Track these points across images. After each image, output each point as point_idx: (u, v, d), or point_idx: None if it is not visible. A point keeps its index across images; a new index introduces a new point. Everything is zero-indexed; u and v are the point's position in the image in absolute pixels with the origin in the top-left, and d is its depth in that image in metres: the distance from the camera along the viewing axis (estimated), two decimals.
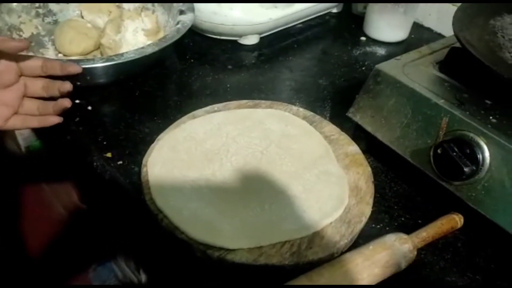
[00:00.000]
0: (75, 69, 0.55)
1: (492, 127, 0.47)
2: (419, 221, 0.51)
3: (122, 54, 0.60)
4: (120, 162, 0.56)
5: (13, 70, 0.52)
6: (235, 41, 0.79)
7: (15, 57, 0.52)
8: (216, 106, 0.61)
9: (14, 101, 0.53)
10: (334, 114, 0.65)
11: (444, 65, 0.56)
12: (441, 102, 0.50)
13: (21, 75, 0.53)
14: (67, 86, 0.54)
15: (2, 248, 0.95)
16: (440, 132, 0.49)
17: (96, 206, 0.91)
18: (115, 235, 0.82)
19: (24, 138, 1.18)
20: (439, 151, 0.48)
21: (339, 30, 0.86)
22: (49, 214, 1.10)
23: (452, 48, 0.56)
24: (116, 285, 0.92)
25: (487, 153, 0.46)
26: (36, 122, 0.55)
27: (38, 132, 1.14)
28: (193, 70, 0.73)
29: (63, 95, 0.55)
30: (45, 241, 1.00)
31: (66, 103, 0.54)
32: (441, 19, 0.84)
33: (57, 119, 0.55)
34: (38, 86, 0.54)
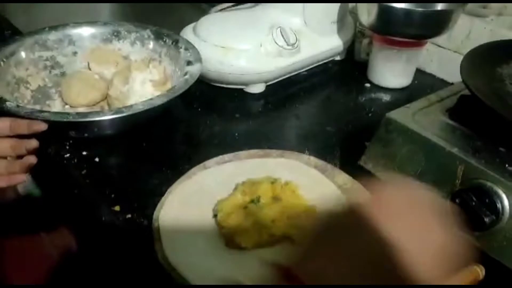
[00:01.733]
0: (41, 127, 0.57)
1: (509, 176, 0.46)
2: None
3: (131, 106, 0.60)
4: (129, 216, 0.55)
5: None
6: (241, 89, 0.79)
7: None
8: (226, 157, 0.60)
9: None
10: (344, 162, 0.64)
11: (454, 113, 0.56)
12: (455, 150, 0.50)
13: None
14: (33, 143, 0.56)
15: None
16: (457, 181, 0.49)
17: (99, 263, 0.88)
18: None
19: (23, 186, 1.16)
20: (457, 200, 0.47)
21: (344, 77, 0.87)
22: (48, 264, 1.07)
23: (462, 96, 0.56)
24: None
25: (506, 202, 0.46)
26: (4, 182, 0.56)
27: (38, 179, 1.13)
28: (200, 119, 0.73)
29: (29, 153, 0.56)
30: None
31: (32, 159, 0.56)
32: (443, 65, 0.85)
33: (24, 177, 0.57)
34: (6, 146, 0.56)
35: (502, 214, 0.46)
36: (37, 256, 1.07)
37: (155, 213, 0.52)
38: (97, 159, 0.63)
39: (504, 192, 0.45)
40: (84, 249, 1.00)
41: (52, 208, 1.12)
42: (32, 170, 1.11)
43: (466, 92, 0.55)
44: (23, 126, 0.55)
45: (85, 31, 0.77)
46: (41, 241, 1.10)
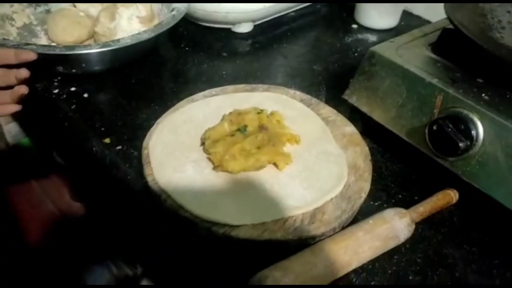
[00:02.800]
0: (29, 56, 0.55)
1: (485, 104, 0.48)
2: (416, 198, 0.52)
3: (118, 40, 0.60)
4: (119, 147, 0.56)
5: None
6: (229, 29, 0.79)
7: None
8: (214, 90, 0.61)
9: None
10: (329, 98, 0.66)
11: (436, 46, 0.57)
12: (435, 81, 0.51)
13: None
14: (23, 72, 0.54)
15: None
16: (435, 110, 0.51)
17: (93, 199, 0.91)
18: (113, 229, 0.82)
19: (12, 136, 1.17)
20: (434, 127, 0.49)
21: (331, 18, 0.87)
22: (40, 212, 1.09)
23: (444, 29, 0.57)
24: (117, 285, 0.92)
25: (480, 129, 0.48)
26: None
27: (27, 129, 1.13)
28: (188, 57, 0.73)
29: (20, 82, 0.55)
30: (37, 241, 0.99)
31: (23, 89, 0.55)
32: (429, 7, 0.86)
33: (16, 107, 0.56)
34: None
35: (476, 140, 0.48)
36: (29, 205, 1.09)
37: (145, 141, 0.53)
38: (86, 95, 0.64)
39: (479, 119, 0.48)
40: (77, 191, 1.03)
41: (42, 157, 1.13)
42: (20, 118, 1.11)
43: (450, 26, 0.56)
44: (10, 55, 0.54)
45: None
46: (33, 190, 1.12)
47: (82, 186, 0.96)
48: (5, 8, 0.70)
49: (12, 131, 1.16)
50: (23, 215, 1.04)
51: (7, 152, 1.15)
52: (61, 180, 1.10)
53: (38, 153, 1.15)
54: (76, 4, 0.75)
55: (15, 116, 1.13)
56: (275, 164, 0.50)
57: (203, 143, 0.51)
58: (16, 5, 0.72)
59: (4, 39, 0.59)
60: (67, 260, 0.93)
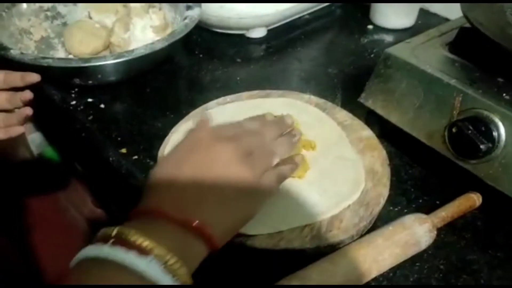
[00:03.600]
0: (34, 78, 0.56)
1: (506, 104, 0.46)
2: (437, 202, 0.51)
3: (132, 51, 0.61)
4: (136, 157, 0.56)
5: None
6: (243, 35, 0.79)
7: None
8: (228, 97, 0.61)
9: None
10: (345, 101, 0.65)
11: (454, 46, 0.56)
12: (453, 82, 0.50)
13: None
14: (28, 95, 0.56)
15: (17, 259, 0.95)
16: (454, 112, 0.49)
17: (112, 206, 0.92)
18: None
19: (36, 145, 1.19)
20: (454, 130, 0.48)
21: (346, 20, 0.86)
22: (66, 220, 1.11)
23: (461, 28, 0.56)
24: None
25: (502, 130, 0.46)
26: (2, 134, 0.57)
27: (50, 138, 1.15)
28: (202, 65, 0.73)
29: (25, 104, 0.57)
30: (63, 248, 1.01)
31: (28, 111, 0.56)
32: (447, 4, 0.84)
33: (21, 129, 0.58)
34: (1, 98, 0.56)
35: (498, 141, 0.46)
36: (54, 214, 1.11)
37: (160, 150, 0.53)
38: (102, 106, 0.65)
39: (500, 120, 0.46)
40: (99, 198, 1.04)
41: (65, 165, 1.15)
42: (43, 128, 1.13)
43: (467, 25, 0.54)
44: (16, 78, 0.56)
45: None
46: (57, 197, 1.14)
47: (103, 193, 0.97)
48: (24, 22, 0.72)
49: (36, 140, 1.18)
50: (49, 223, 1.06)
51: (32, 161, 1.18)
52: (83, 187, 1.12)
53: (61, 161, 1.18)
54: (91, 15, 0.76)
55: (38, 126, 1.16)
56: None
57: None
58: (33, 19, 0.73)
59: (22, 53, 0.60)
60: None
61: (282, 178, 0.44)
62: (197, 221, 0.35)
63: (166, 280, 0.31)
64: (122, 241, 0.31)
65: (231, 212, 0.38)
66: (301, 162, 0.47)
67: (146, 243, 0.31)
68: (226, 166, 0.39)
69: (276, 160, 0.44)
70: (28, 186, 1.09)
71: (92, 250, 0.32)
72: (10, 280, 0.89)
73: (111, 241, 0.32)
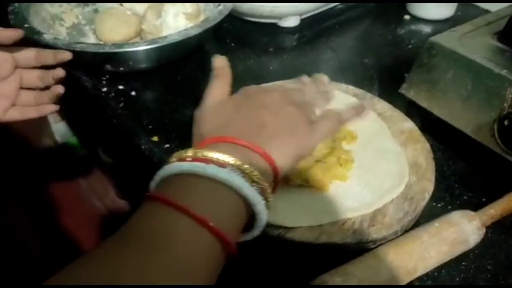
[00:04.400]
0: (66, 56, 0.55)
1: None
2: (483, 199, 0.48)
3: (165, 37, 0.59)
4: (167, 145, 0.55)
5: (9, 61, 0.52)
6: (275, 24, 0.77)
7: (9, 49, 0.52)
8: (262, 86, 0.59)
9: (11, 92, 0.53)
10: (383, 92, 0.62)
11: (503, 35, 0.53)
12: (504, 72, 0.47)
13: (16, 66, 0.53)
14: (60, 72, 0.54)
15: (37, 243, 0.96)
16: (505, 104, 0.47)
17: (137, 197, 0.91)
18: None
19: (61, 135, 1.20)
20: (505, 123, 0.45)
21: (381, 10, 0.83)
22: (87, 209, 1.11)
23: None
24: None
25: None
26: (34, 112, 0.56)
27: (75, 128, 1.16)
28: (234, 53, 0.71)
29: (57, 82, 0.55)
30: (84, 237, 1.01)
31: (60, 89, 0.55)
32: None
33: (54, 107, 0.56)
34: (33, 76, 0.55)
35: None
36: (76, 202, 1.11)
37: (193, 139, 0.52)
38: (133, 93, 0.64)
39: None
40: (122, 189, 1.04)
41: (88, 155, 1.15)
42: (68, 117, 1.14)
43: None
44: (48, 56, 0.54)
45: None
46: (80, 187, 1.14)
47: (127, 184, 0.97)
48: (55, 8, 0.71)
49: (60, 130, 1.19)
50: (71, 212, 1.07)
51: (56, 150, 1.18)
52: (106, 178, 1.12)
53: (84, 151, 1.18)
54: (122, 2, 0.75)
55: (63, 116, 1.16)
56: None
57: None
58: (65, 5, 0.73)
59: (55, 38, 0.59)
60: None
61: (335, 122, 0.44)
62: (259, 148, 0.36)
63: (247, 187, 0.32)
64: (199, 159, 0.33)
65: (287, 145, 0.38)
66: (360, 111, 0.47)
67: (222, 156, 0.33)
68: (279, 106, 0.41)
69: (317, 112, 0.44)
70: (51, 174, 1.10)
71: (174, 168, 0.33)
72: (27, 264, 0.89)
73: (189, 159, 0.33)
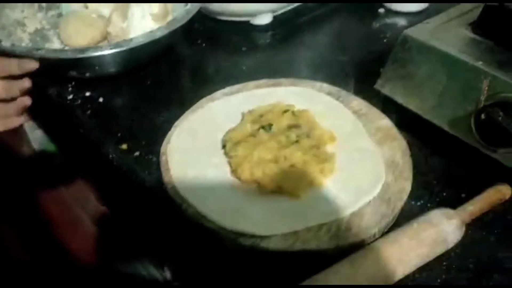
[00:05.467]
0: (32, 65, 0.53)
1: None
2: (462, 195, 0.47)
3: (131, 40, 0.57)
4: (137, 154, 0.53)
5: None
6: (247, 22, 0.75)
7: None
8: (234, 87, 0.57)
9: None
10: (359, 89, 0.61)
11: (478, 26, 0.51)
12: (479, 64, 0.46)
13: None
14: (26, 84, 0.53)
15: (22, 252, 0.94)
16: (481, 97, 0.45)
17: (115, 204, 0.89)
18: (138, 232, 0.80)
19: (38, 143, 1.16)
20: (482, 116, 0.44)
21: (355, 4, 0.82)
22: (70, 217, 1.08)
23: (486, 5, 0.51)
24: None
25: None
26: (1, 126, 0.53)
27: (51, 135, 1.13)
28: (205, 54, 0.69)
29: (23, 94, 0.53)
30: (70, 245, 0.99)
31: (27, 101, 0.53)
32: None
33: (21, 120, 0.54)
34: None
35: None
36: (59, 211, 1.08)
37: (163, 146, 0.50)
38: (101, 100, 0.61)
39: None
40: (103, 196, 1.01)
41: (68, 162, 1.12)
42: (44, 125, 1.11)
43: (491, 3, 0.50)
44: (13, 66, 0.52)
45: None
46: (62, 195, 1.12)
47: (106, 191, 0.94)
48: (16, 13, 0.68)
49: (37, 137, 1.16)
50: (53, 219, 1.04)
51: (34, 158, 1.15)
52: (87, 184, 1.09)
53: (64, 158, 1.15)
54: (87, 5, 0.72)
55: (40, 123, 1.13)
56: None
57: (224, 146, 0.48)
58: (27, 10, 0.70)
59: (13, 45, 0.56)
60: (98, 262, 0.92)
61: None
62: None
63: None
64: None
65: None
66: None
67: None
68: None
69: None
70: (32, 183, 1.07)
71: None
72: (13, 272, 0.87)
73: None
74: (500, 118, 0.43)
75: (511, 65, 0.46)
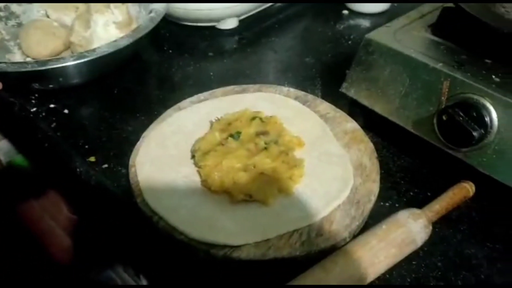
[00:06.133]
0: None
1: (497, 87, 0.44)
2: (429, 194, 0.48)
3: (94, 50, 0.56)
4: (106, 166, 0.52)
5: None
6: (213, 27, 0.75)
7: None
8: (202, 95, 0.57)
9: None
10: (326, 92, 0.62)
11: (437, 28, 0.53)
12: (439, 65, 0.47)
13: None
14: None
15: None
16: (442, 98, 0.47)
17: (87, 215, 0.87)
18: (111, 242, 0.79)
19: (4, 153, 1.13)
20: (444, 117, 0.45)
21: (320, 6, 0.83)
22: (41, 229, 1.06)
23: (444, 8, 0.53)
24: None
25: (494, 115, 0.44)
26: None
27: (18, 145, 1.09)
28: (172, 61, 0.69)
29: None
30: (40, 258, 0.97)
31: None
32: None
33: None
34: None
35: (491, 127, 0.44)
36: (30, 223, 1.06)
37: (131, 158, 0.49)
38: (66, 111, 0.60)
39: (492, 104, 0.44)
40: (76, 211, 0.99)
41: (37, 174, 1.09)
42: (10, 135, 1.07)
43: (449, 4, 0.52)
44: None
45: None
46: (32, 207, 1.09)
47: (77, 203, 0.93)
48: None
49: (3, 148, 1.12)
50: (24, 231, 1.01)
51: (1, 171, 1.11)
52: (57, 195, 1.07)
53: (32, 169, 1.12)
54: (48, 14, 0.71)
55: (6, 133, 1.10)
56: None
57: (193, 156, 0.47)
58: None
59: None
60: (72, 271, 0.91)
61: None
62: None
63: None
64: None
65: None
66: None
67: None
68: None
69: None
70: (1, 196, 1.04)
71: None
72: None
73: None
74: (460, 118, 0.44)
75: (470, 65, 0.47)
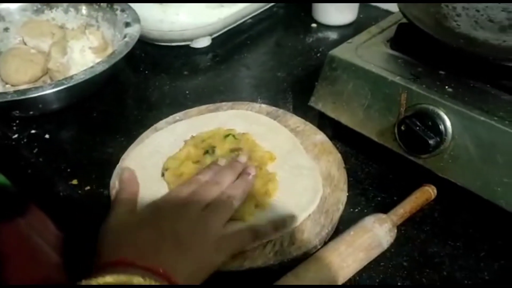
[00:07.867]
0: None
1: (449, 97, 0.47)
2: (395, 198, 0.52)
3: (71, 77, 0.58)
4: (88, 188, 0.54)
5: None
6: (187, 45, 0.78)
7: None
8: (177, 116, 0.59)
9: None
10: (297, 106, 0.65)
11: (395, 42, 0.56)
12: (397, 79, 0.50)
13: None
14: None
15: None
16: (401, 109, 0.50)
17: (74, 233, 0.88)
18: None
19: None
20: (402, 127, 0.49)
21: (289, 20, 0.86)
22: (30, 248, 1.06)
23: (400, 24, 0.56)
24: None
25: (448, 123, 0.47)
26: None
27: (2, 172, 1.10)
28: (149, 81, 0.71)
29: None
30: (28, 277, 0.97)
31: None
32: None
33: None
34: None
35: (445, 135, 0.47)
36: (18, 242, 1.06)
37: (112, 180, 0.51)
38: (47, 136, 0.62)
39: (445, 113, 0.47)
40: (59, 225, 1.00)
41: (20, 192, 1.09)
42: None
43: (405, 20, 0.55)
44: None
45: (13, 5, 0.73)
46: (19, 226, 1.09)
47: (62, 222, 0.94)
48: None
49: None
50: (12, 251, 1.01)
51: None
52: (43, 212, 1.07)
53: (16, 188, 1.12)
54: (25, 41, 0.73)
55: None
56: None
57: (162, 174, 0.50)
58: None
59: None
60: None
61: (246, 239, 0.44)
62: (160, 269, 0.37)
63: None
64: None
65: (191, 260, 0.40)
66: None
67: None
68: (187, 225, 0.42)
69: (237, 203, 0.45)
70: None
71: None
72: None
73: None
74: (417, 128, 0.47)
75: (425, 77, 0.50)
